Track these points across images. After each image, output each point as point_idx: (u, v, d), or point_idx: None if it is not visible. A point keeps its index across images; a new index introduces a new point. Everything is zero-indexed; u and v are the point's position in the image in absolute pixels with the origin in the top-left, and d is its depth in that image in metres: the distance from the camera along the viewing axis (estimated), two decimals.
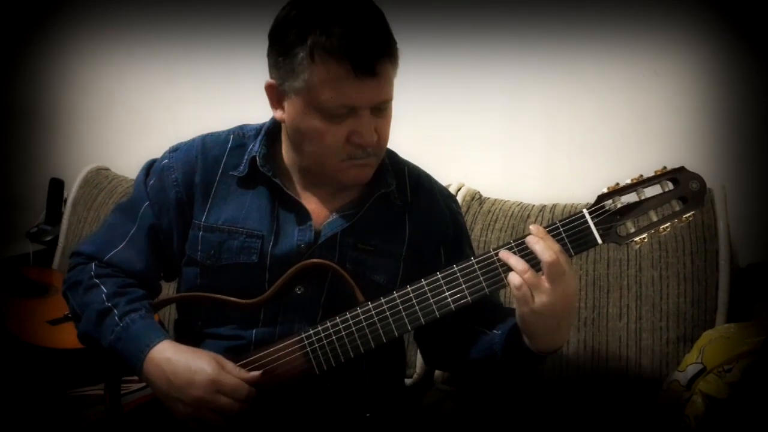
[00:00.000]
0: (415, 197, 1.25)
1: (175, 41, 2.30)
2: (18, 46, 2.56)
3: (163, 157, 1.26)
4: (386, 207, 1.22)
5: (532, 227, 1.04)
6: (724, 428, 1.18)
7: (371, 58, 1.04)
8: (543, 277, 1.00)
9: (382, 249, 1.20)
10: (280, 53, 1.08)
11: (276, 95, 1.14)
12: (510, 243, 1.05)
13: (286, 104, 1.12)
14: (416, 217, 1.24)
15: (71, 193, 2.32)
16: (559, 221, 1.06)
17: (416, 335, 1.33)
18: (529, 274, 1.00)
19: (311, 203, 1.20)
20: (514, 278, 1.00)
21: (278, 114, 1.15)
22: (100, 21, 2.44)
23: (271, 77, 1.13)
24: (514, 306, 1.04)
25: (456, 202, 1.34)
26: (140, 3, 2.37)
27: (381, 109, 1.10)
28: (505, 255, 1.03)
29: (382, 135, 1.13)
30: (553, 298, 0.99)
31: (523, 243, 1.04)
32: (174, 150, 1.25)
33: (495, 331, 1.15)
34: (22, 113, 2.60)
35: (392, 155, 1.27)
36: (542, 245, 1.00)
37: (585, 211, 1.06)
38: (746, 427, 1.14)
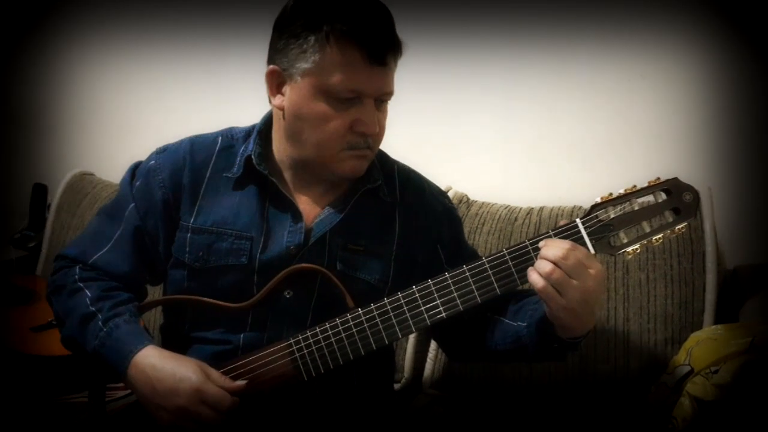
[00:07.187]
0: (405, 195, 1.25)
1: (161, 46, 2.29)
2: (0, 51, 2.54)
3: (150, 158, 1.24)
4: (375, 204, 1.22)
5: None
6: (711, 430, 1.18)
7: (383, 48, 1.09)
8: (566, 275, 0.98)
9: (372, 248, 1.19)
10: (292, 35, 1.09)
11: (277, 81, 1.14)
12: (524, 242, 1.05)
13: (288, 89, 1.13)
14: (407, 214, 1.23)
15: (55, 198, 2.29)
16: (552, 230, 1.05)
17: (433, 331, 1.31)
18: (556, 274, 0.98)
19: (302, 203, 1.19)
20: (537, 281, 1.00)
21: (277, 101, 1.15)
22: (85, 27, 2.43)
23: (274, 64, 1.13)
24: (543, 304, 1.03)
25: (448, 198, 1.34)
26: (125, 8, 2.35)
27: (383, 102, 1.14)
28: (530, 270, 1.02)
29: (382, 128, 1.15)
30: (582, 291, 0.99)
31: (538, 244, 1.03)
32: (161, 151, 1.25)
33: (520, 323, 1.14)
34: (5, 118, 2.57)
35: (382, 154, 1.28)
36: (552, 246, 1.00)
37: (578, 221, 1.05)
38: (733, 429, 1.15)
